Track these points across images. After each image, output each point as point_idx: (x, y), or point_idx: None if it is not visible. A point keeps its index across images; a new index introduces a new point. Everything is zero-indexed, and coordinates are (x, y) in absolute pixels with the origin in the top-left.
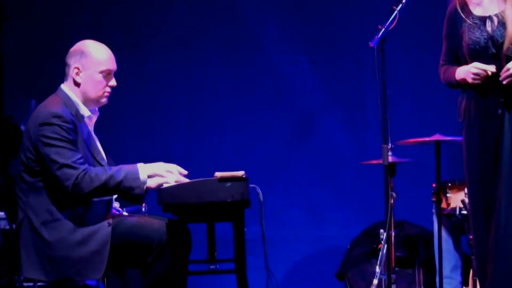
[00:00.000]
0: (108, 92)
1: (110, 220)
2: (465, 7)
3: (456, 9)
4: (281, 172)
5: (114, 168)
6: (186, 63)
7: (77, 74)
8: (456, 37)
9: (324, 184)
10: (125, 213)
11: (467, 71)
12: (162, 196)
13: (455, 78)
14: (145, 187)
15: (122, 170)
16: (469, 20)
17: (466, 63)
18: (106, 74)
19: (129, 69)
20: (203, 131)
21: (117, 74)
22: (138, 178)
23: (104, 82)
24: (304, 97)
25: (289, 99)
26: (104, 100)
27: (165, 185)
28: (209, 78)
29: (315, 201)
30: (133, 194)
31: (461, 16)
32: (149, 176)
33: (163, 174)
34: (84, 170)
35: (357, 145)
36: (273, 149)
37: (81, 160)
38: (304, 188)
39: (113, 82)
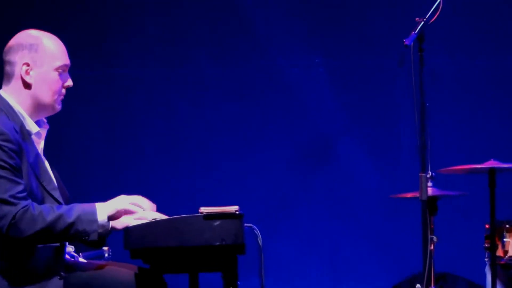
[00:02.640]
0: (63, 94)
1: (63, 271)
2: None
3: None
4: (288, 209)
5: (65, 207)
6: (167, 66)
7: (27, 72)
8: None
9: (344, 224)
10: (81, 260)
11: None
12: (129, 238)
13: None
14: (103, 231)
15: (75, 209)
16: None
17: None
18: (62, 71)
19: (95, 76)
20: (186, 155)
21: (81, 83)
22: (95, 220)
23: (60, 82)
24: (319, 112)
25: (299, 114)
26: (58, 106)
27: (133, 223)
28: (196, 86)
29: (332, 247)
30: (87, 241)
31: None
32: (110, 218)
33: (130, 208)
34: (24, 206)
35: (386, 174)
36: (277, 179)
37: (23, 194)
38: (318, 229)
39: (69, 82)
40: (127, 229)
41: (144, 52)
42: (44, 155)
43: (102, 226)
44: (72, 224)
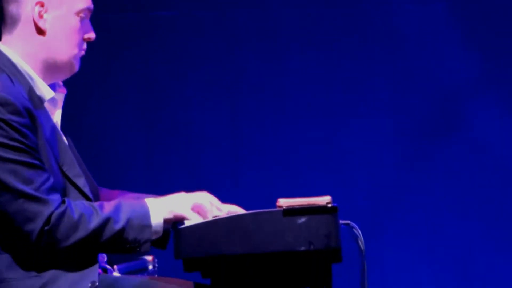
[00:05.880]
0: (84, 49)
1: (96, 282)
2: None
3: None
4: (397, 199)
5: (109, 206)
6: (228, 7)
7: (40, 15)
8: None
9: (479, 219)
10: (116, 274)
11: None
12: (182, 244)
13: None
14: (156, 238)
15: (123, 209)
16: None
17: None
18: (84, 17)
19: (132, 20)
20: (253, 129)
21: (113, 30)
22: (149, 225)
23: (82, 31)
24: (441, 64)
25: (413, 67)
26: (77, 64)
27: (187, 223)
28: (266, 34)
29: (462, 252)
30: (136, 252)
31: None
32: (166, 221)
33: (191, 217)
34: (59, 206)
35: None
36: (382, 157)
37: (50, 185)
38: (441, 227)
39: (91, 33)
40: (179, 230)
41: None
42: (62, 130)
43: (156, 232)
44: (121, 232)
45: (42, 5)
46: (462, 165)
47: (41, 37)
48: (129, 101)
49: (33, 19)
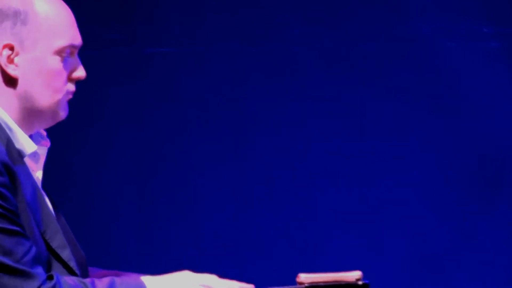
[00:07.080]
0: (71, 91)
1: None
2: None
3: None
4: (442, 275)
5: (100, 283)
6: (234, 41)
7: (10, 60)
8: None
9: None
10: None
11: None
12: None
13: None
14: None
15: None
16: None
17: None
18: (68, 55)
19: (127, 56)
20: (262, 177)
21: (105, 66)
22: None
23: (65, 72)
24: (493, 111)
25: (461, 114)
26: (63, 111)
27: None
28: (280, 69)
29: None
30: None
31: None
32: None
33: None
34: (46, 281)
35: None
36: (425, 226)
37: (33, 254)
38: None
39: (80, 72)
40: None
41: (199, 22)
42: (43, 189)
43: None
44: None
45: (11, 48)
46: None
47: (12, 85)
48: (121, 149)
49: (1, 66)
